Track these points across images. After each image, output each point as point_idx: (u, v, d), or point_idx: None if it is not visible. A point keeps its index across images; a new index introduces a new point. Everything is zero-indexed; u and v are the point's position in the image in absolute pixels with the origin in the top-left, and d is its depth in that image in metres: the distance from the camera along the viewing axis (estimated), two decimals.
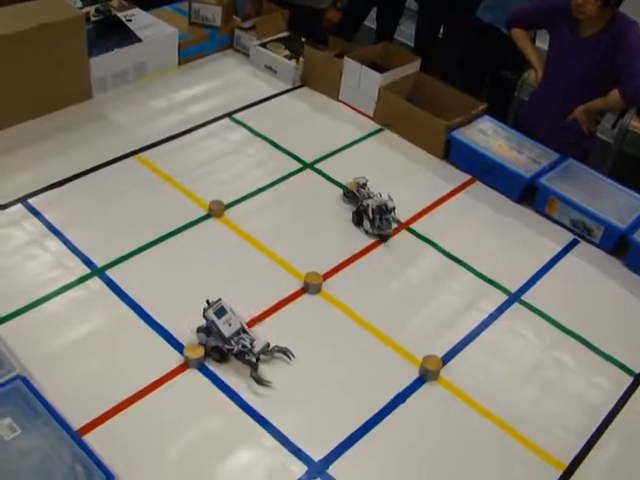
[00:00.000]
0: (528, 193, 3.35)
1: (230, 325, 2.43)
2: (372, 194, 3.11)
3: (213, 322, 2.41)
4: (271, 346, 2.46)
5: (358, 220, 3.09)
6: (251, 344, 2.41)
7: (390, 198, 3.05)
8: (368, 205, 3.03)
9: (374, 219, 3.02)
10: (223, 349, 2.41)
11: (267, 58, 4.04)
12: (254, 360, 2.40)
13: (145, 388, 2.34)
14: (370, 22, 5.77)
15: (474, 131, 3.56)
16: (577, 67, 3.55)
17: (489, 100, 3.96)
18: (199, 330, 2.46)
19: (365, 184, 3.17)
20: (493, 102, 3.94)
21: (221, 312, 2.43)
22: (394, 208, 3.04)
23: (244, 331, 2.46)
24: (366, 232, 3.06)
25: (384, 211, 3.02)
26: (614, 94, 3.37)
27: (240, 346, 2.40)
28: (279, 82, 3.97)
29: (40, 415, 2.15)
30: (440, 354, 2.57)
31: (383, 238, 3.05)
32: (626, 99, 3.37)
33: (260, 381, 2.38)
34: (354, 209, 3.12)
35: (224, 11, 4.11)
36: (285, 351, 2.47)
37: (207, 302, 2.44)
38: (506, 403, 2.48)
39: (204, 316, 2.43)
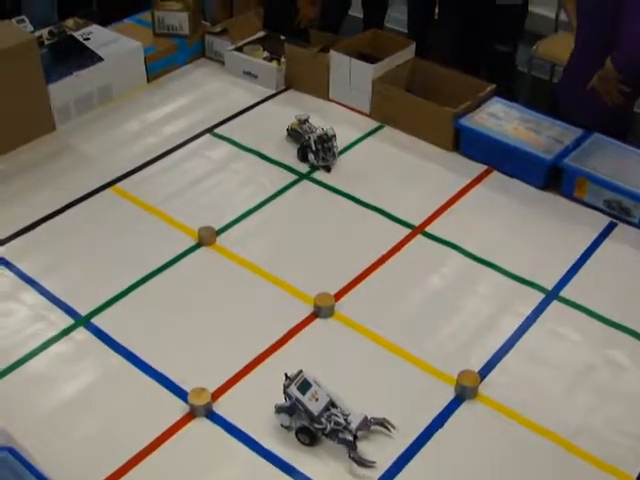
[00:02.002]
0: (553, 177, 3.31)
1: (317, 400, 2.26)
2: (314, 128, 3.44)
3: (297, 400, 2.24)
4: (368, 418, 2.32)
5: (303, 156, 3.45)
6: (346, 420, 2.26)
7: (331, 128, 3.40)
8: (310, 138, 3.38)
9: (317, 150, 3.38)
10: (312, 429, 2.26)
11: (245, 63, 4.02)
12: (351, 438, 2.24)
13: (149, 445, 2.30)
14: (356, 12, 5.76)
15: (484, 116, 3.53)
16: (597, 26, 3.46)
17: (488, 78, 3.92)
18: (279, 410, 2.31)
19: (307, 120, 3.50)
20: (493, 80, 3.89)
21: (305, 386, 2.26)
22: (334, 136, 3.40)
23: (333, 405, 2.29)
24: (312, 165, 3.42)
25: (325, 140, 3.38)
26: (607, 61, 3.26)
27: (332, 424, 2.24)
28: (261, 88, 3.96)
29: None
30: (476, 368, 2.53)
31: (328, 169, 3.40)
32: (617, 66, 3.23)
33: (363, 462, 2.22)
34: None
35: (191, 17, 4.10)
36: (382, 422, 2.32)
37: (286, 376, 2.28)
38: (558, 414, 2.43)
39: (285, 393, 2.27)
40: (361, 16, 5.79)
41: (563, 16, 5.96)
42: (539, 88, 5.59)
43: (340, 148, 3.52)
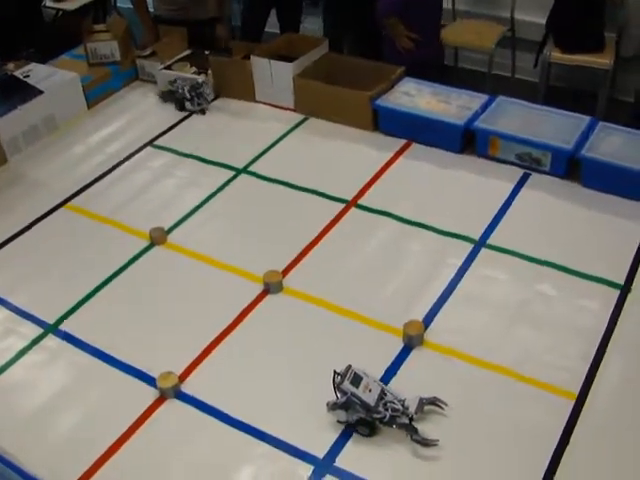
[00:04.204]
0: (468, 141, 3.24)
1: (371, 391, 2.09)
2: (185, 81, 3.68)
3: (353, 394, 2.07)
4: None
5: (181, 106, 3.69)
6: (402, 405, 2.10)
7: (199, 77, 3.70)
8: (184, 89, 3.64)
9: (192, 97, 3.64)
10: (369, 420, 2.09)
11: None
12: (408, 422, 2.08)
13: (126, 432, 2.19)
14: (274, 28, 5.66)
15: (398, 95, 3.45)
16: None
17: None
18: (334, 407, 2.13)
19: (175, 80, 3.72)
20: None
21: (357, 380, 2.09)
22: (204, 82, 3.67)
23: (384, 392, 2.13)
24: (190, 112, 3.66)
25: (197, 87, 3.65)
26: None
27: (390, 411, 2.08)
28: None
29: None
30: (420, 318, 2.45)
31: (203, 112, 3.67)
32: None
33: (427, 442, 2.06)
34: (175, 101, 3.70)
35: (121, 44, 3.98)
36: (434, 401, 2.15)
37: (335, 373, 2.11)
38: (501, 349, 2.36)
39: (339, 389, 2.09)
40: (278, 31, 5.68)
41: (459, 6, 5.96)
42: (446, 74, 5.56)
43: (270, 142, 3.43)
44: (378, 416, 2.08)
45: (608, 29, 5.23)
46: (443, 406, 2.15)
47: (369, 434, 2.11)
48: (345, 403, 2.10)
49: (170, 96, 3.77)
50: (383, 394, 2.11)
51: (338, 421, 2.14)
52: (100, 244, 2.93)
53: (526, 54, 5.73)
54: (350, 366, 2.12)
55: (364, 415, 2.09)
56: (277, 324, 2.52)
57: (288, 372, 2.34)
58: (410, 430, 2.08)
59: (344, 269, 2.71)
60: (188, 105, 3.69)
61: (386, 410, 2.08)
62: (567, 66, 5.47)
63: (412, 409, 2.10)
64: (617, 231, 2.81)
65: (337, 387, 2.10)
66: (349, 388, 2.07)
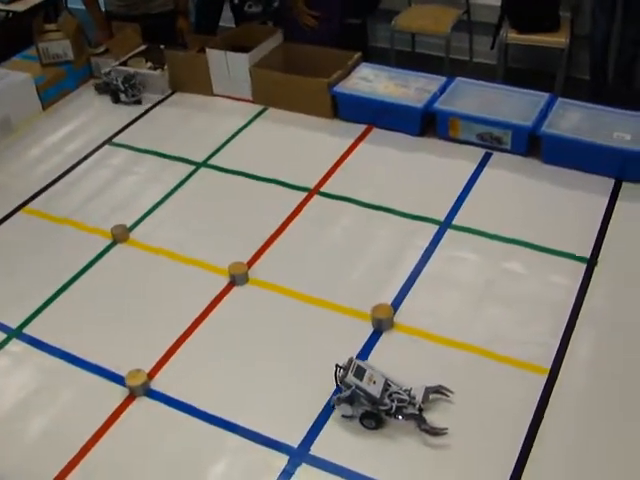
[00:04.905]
0: (427, 123, 3.23)
1: (375, 382, 2.04)
2: (118, 73, 3.71)
3: (358, 387, 2.01)
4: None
5: (115, 98, 3.72)
6: (409, 395, 2.06)
7: (131, 69, 3.73)
8: (118, 81, 3.67)
9: (126, 89, 3.67)
10: (375, 412, 2.04)
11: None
12: (417, 412, 2.03)
13: (97, 432, 2.15)
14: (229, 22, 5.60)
15: (356, 80, 3.43)
16: None
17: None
18: (338, 401, 2.07)
19: (109, 72, 3.74)
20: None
21: (360, 372, 2.05)
22: (136, 73, 3.71)
23: (388, 384, 2.07)
24: (126, 103, 3.69)
25: (130, 79, 3.69)
26: None
27: (396, 402, 2.03)
28: (150, 95, 3.78)
29: None
30: (389, 301, 2.43)
31: (139, 102, 3.70)
32: None
33: (436, 431, 2.02)
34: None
35: (73, 43, 3.91)
36: (439, 389, 2.11)
37: (337, 366, 2.08)
38: (472, 328, 2.35)
39: (342, 383, 2.05)
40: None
41: None
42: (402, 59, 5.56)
43: (228, 135, 3.41)
44: (384, 408, 2.04)
45: (563, 8, 5.24)
46: (449, 394, 2.11)
47: (375, 427, 2.06)
48: (350, 397, 2.04)
49: (105, 88, 3.79)
50: (387, 385, 2.07)
51: (343, 416, 2.08)
52: (61, 245, 2.88)
53: (483, 37, 5.73)
54: (352, 358, 2.08)
55: (370, 408, 2.04)
56: (244, 316, 2.49)
57: (258, 363, 2.31)
58: (418, 420, 2.03)
59: (309, 257, 2.69)
60: (123, 97, 3.72)
61: (392, 401, 2.04)
62: (524, 47, 5.48)
63: (419, 398, 2.06)
64: (580, 206, 2.81)
65: (341, 381, 2.05)
66: (353, 381, 2.02)
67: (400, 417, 2.04)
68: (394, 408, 2.03)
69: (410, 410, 2.04)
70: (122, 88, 3.69)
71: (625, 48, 5.13)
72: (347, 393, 2.04)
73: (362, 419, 2.06)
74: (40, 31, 3.96)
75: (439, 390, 2.11)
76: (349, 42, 4.82)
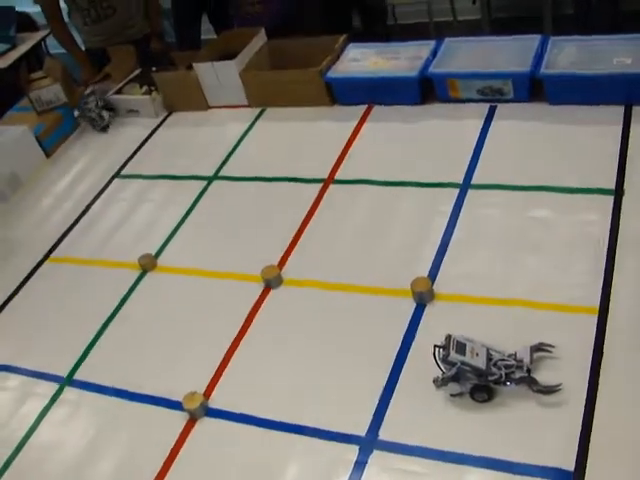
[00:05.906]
0: (427, 90, 3.20)
1: (478, 355, 1.99)
2: (95, 101, 3.78)
3: (463, 362, 1.96)
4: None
5: (102, 127, 3.80)
6: (515, 359, 2.01)
7: (105, 97, 3.83)
8: (99, 107, 3.78)
9: (108, 112, 3.79)
10: (484, 384, 1.99)
11: (124, 102, 3.85)
12: (526, 374, 1.98)
13: (166, 461, 2.14)
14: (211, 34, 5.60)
15: (346, 63, 3.41)
16: None
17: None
18: (445, 382, 2.02)
19: (92, 93, 3.82)
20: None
21: (462, 347, 1.99)
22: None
23: (490, 353, 2.02)
24: (107, 125, 3.79)
25: (108, 103, 3.80)
26: None
27: (504, 369, 1.98)
28: (146, 120, 3.77)
29: None
30: (425, 273, 2.41)
31: (105, 129, 3.80)
32: None
33: (550, 389, 1.96)
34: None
35: (63, 86, 3.90)
36: (540, 347, 2.05)
37: (435, 346, 2.01)
38: (511, 282, 2.32)
39: (446, 363, 1.99)
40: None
41: None
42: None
43: (232, 144, 3.38)
44: (493, 378, 1.98)
45: None
46: (551, 349, 2.06)
47: (488, 399, 2.01)
48: (455, 375, 2.00)
49: (88, 115, 3.83)
50: (490, 354, 2.02)
51: (451, 395, 2.04)
52: (93, 286, 2.88)
53: None
54: (450, 335, 2.02)
55: (477, 381, 1.99)
56: (286, 317, 2.48)
57: (308, 361, 2.30)
58: (530, 382, 1.98)
59: (338, 246, 2.67)
60: (106, 116, 3.80)
61: (499, 369, 1.98)
62: None
63: (527, 360, 2.01)
64: (595, 139, 2.77)
65: (443, 360, 2.00)
66: (458, 358, 1.97)
67: (509, 383, 1.99)
68: (503, 376, 1.98)
69: (519, 374, 1.99)
70: (105, 115, 3.77)
71: None
72: (452, 372, 1.99)
73: (472, 393, 2.01)
74: (28, 81, 3.96)
75: (540, 347, 2.06)
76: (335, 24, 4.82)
